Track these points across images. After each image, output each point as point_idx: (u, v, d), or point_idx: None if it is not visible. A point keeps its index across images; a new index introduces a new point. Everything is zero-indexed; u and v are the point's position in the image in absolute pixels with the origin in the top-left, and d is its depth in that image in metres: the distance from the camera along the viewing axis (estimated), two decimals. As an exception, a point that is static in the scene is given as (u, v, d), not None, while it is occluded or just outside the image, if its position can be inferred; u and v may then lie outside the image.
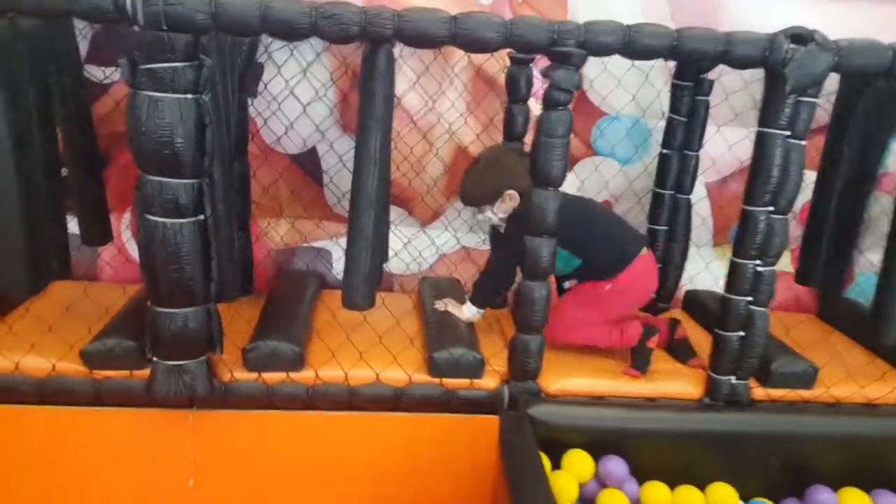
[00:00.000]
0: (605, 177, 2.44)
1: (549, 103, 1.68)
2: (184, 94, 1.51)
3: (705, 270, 2.50)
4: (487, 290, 2.14)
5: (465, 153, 2.36)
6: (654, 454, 1.87)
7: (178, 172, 1.55)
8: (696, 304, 2.43)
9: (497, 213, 2.03)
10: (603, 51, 1.67)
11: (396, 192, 2.34)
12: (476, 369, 1.89)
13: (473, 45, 1.62)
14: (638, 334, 2.06)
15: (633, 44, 1.65)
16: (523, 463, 1.63)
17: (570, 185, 2.39)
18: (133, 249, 2.38)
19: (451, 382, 1.88)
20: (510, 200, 2.01)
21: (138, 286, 2.11)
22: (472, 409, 1.89)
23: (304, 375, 1.84)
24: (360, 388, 1.86)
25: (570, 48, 1.64)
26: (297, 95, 2.22)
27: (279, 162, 2.34)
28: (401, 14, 1.55)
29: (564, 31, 1.62)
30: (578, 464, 1.83)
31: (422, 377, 1.88)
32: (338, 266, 2.45)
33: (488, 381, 1.90)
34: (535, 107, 2.24)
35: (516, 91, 2.19)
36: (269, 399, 1.83)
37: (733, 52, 1.68)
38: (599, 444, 1.85)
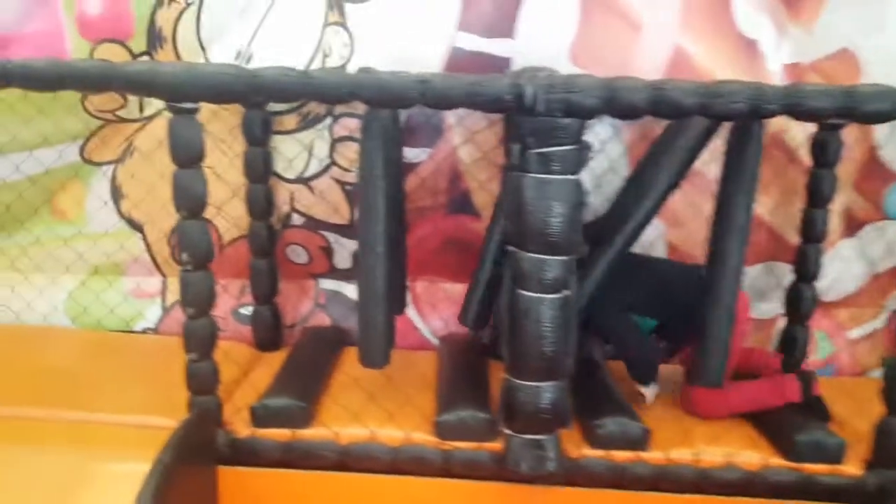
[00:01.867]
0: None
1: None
2: (570, 174, 1.59)
3: None
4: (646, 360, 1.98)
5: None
6: None
7: (556, 249, 1.61)
8: None
9: None
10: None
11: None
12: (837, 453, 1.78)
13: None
14: (797, 387, 1.89)
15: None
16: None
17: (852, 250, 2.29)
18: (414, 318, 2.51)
19: (810, 468, 1.77)
20: None
21: (424, 353, 2.24)
22: (831, 497, 1.77)
23: (653, 456, 1.79)
24: (709, 471, 1.77)
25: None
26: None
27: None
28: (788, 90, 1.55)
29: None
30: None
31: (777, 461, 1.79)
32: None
33: (850, 468, 1.77)
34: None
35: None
36: (616, 477, 1.79)
37: None
38: None
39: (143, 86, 1.61)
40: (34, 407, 1.87)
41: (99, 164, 2.37)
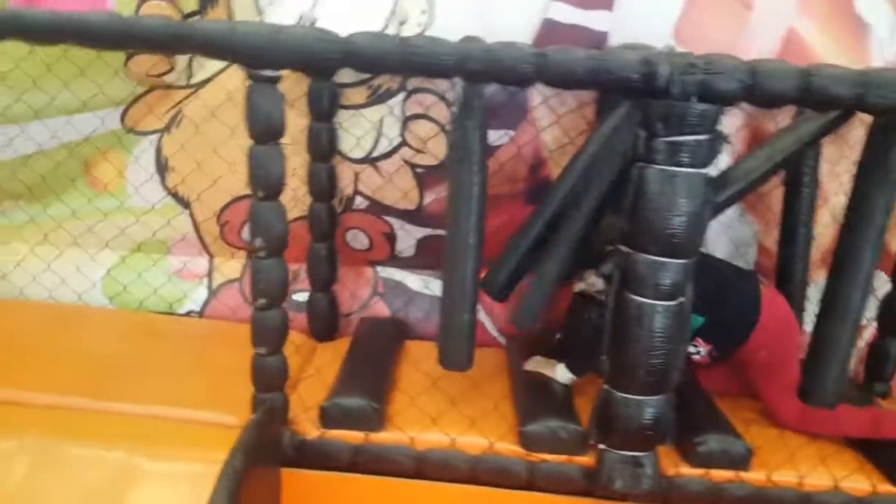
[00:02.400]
0: None
1: None
2: (700, 167, 1.41)
3: None
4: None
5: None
6: None
7: (677, 252, 1.44)
8: None
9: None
10: None
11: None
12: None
13: None
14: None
15: None
16: None
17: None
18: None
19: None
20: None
21: (489, 351, 2.08)
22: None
23: (755, 476, 1.65)
24: (814, 495, 1.63)
25: None
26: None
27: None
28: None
29: None
30: None
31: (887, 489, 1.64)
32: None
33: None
34: None
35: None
36: (714, 498, 1.64)
37: None
38: None
39: (222, 48, 1.42)
40: (80, 397, 1.72)
41: (143, 133, 2.18)
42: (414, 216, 2.14)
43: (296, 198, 2.13)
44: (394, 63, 1.42)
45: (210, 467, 1.48)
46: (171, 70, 2.10)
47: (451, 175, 1.56)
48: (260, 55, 1.43)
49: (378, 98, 2.04)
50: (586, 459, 1.64)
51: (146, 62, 2.06)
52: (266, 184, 1.50)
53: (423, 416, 1.71)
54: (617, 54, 1.40)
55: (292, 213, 2.18)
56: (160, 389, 1.78)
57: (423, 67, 1.43)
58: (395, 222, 2.19)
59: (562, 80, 1.40)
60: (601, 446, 1.60)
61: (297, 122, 2.04)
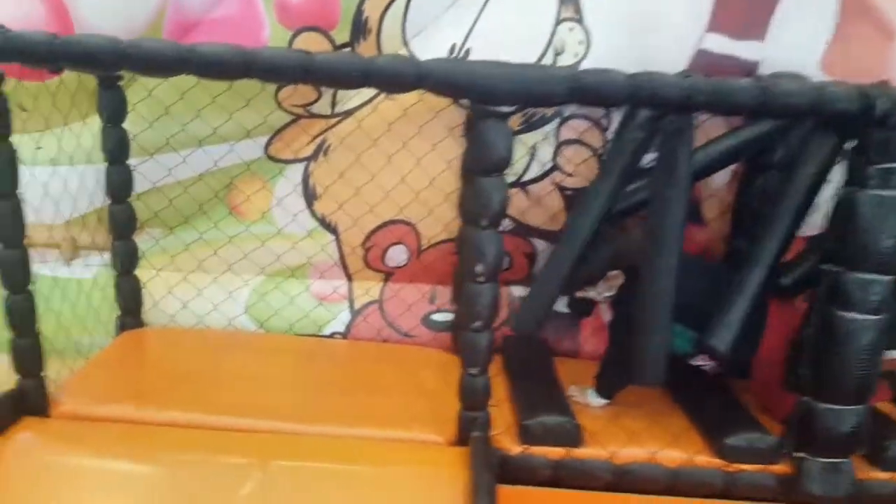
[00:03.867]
0: None
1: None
2: (908, 192, 1.53)
3: None
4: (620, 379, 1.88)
5: None
6: None
7: (884, 269, 1.54)
8: None
9: (602, 292, 1.88)
10: None
11: None
12: None
13: None
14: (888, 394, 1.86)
15: None
16: None
17: None
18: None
19: None
20: (614, 279, 1.86)
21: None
22: None
23: (938, 477, 1.75)
24: None
25: None
26: None
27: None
28: None
29: None
30: None
31: None
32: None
33: None
34: None
35: None
36: (900, 500, 1.75)
37: None
38: None
39: (455, 86, 1.49)
40: (286, 421, 1.76)
41: (287, 162, 2.23)
42: (557, 237, 2.20)
43: (444, 221, 2.20)
44: (620, 97, 1.50)
45: (437, 484, 1.58)
46: (318, 100, 2.17)
47: (660, 202, 1.64)
48: (492, 92, 1.50)
49: (531, 125, 2.12)
50: (781, 468, 1.72)
51: (299, 92, 2.13)
52: (490, 213, 1.55)
53: (617, 431, 1.78)
54: (837, 87, 1.49)
55: (440, 236, 2.29)
56: (356, 410, 1.83)
57: (649, 100, 1.51)
58: (540, 244, 2.27)
59: (785, 110, 1.50)
60: (799, 454, 1.69)
61: (452, 150, 2.13)
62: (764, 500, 1.74)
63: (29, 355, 1.71)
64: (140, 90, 2.07)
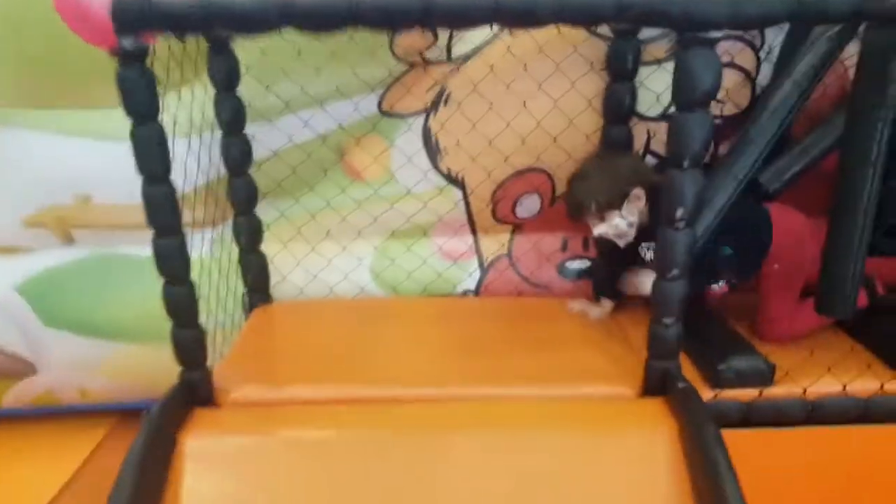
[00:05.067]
0: None
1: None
2: None
3: None
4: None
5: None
6: None
7: None
8: None
9: (626, 216, 1.83)
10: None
11: None
12: None
13: None
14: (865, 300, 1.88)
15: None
16: None
17: None
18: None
19: None
20: (638, 200, 1.82)
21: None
22: None
23: None
24: None
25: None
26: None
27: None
28: None
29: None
30: None
31: None
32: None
33: None
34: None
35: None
36: None
37: None
38: None
39: (663, 15, 1.35)
40: (463, 386, 1.70)
41: (402, 116, 2.10)
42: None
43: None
44: (846, 12, 1.36)
45: (647, 438, 1.52)
46: (433, 45, 2.01)
47: (861, 120, 1.53)
48: (705, 15, 1.34)
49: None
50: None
51: (413, 39, 1.97)
52: (692, 153, 1.44)
53: (807, 366, 1.74)
54: None
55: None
56: (531, 370, 1.76)
57: (876, 14, 1.38)
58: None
59: None
60: None
61: (593, 85, 1.99)
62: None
63: (193, 346, 1.62)
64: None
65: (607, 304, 2.08)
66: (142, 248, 2.13)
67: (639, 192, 1.82)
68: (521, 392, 1.71)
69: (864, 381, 1.72)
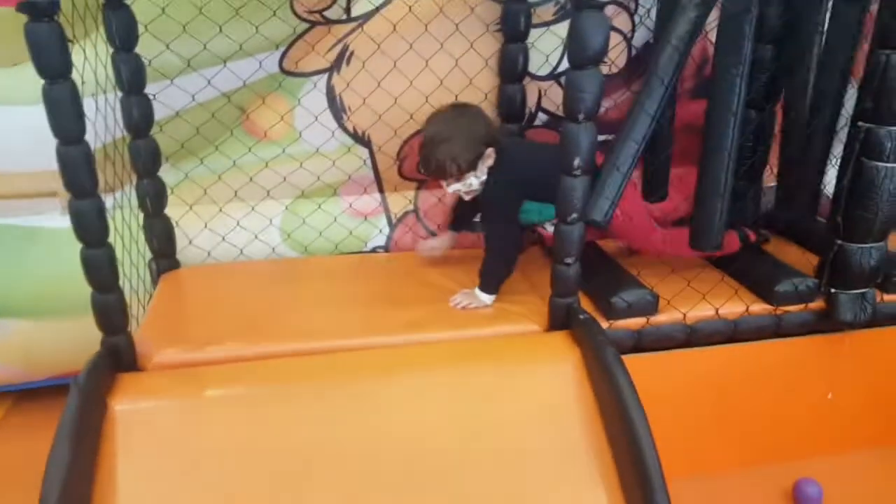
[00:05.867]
0: None
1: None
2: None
3: None
4: (501, 273, 1.97)
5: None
6: None
7: (907, 124, 1.81)
8: None
9: (480, 176, 1.94)
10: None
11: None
12: None
13: None
14: (737, 240, 2.17)
15: None
16: None
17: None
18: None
19: None
20: (489, 159, 1.94)
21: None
22: None
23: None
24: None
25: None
26: None
27: None
28: None
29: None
30: None
31: None
32: None
33: None
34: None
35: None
36: (904, 314, 2.11)
37: None
38: None
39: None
40: (382, 335, 1.80)
41: (307, 75, 2.12)
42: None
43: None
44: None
45: (555, 366, 1.71)
46: (331, 5, 2.03)
47: (719, 73, 1.77)
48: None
49: (566, 14, 2.14)
50: (817, 304, 2.02)
51: (311, -1, 1.99)
52: (586, 107, 1.60)
53: (689, 294, 1.96)
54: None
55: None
56: (445, 317, 1.89)
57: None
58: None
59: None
60: (833, 290, 1.99)
61: (489, 46, 2.11)
62: (807, 333, 2.04)
63: (114, 310, 1.59)
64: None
65: (446, 238, 2.18)
66: (30, 218, 2.06)
67: (490, 152, 1.92)
68: (437, 336, 1.83)
69: (733, 305, 1.99)
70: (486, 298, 1.97)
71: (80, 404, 1.42)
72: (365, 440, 1.59)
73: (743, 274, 2.11)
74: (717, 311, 1.96)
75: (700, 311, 1.96)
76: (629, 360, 1.83)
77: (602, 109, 2.23)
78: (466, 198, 1.99)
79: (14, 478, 1.55)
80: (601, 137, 2.27)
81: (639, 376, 1.68)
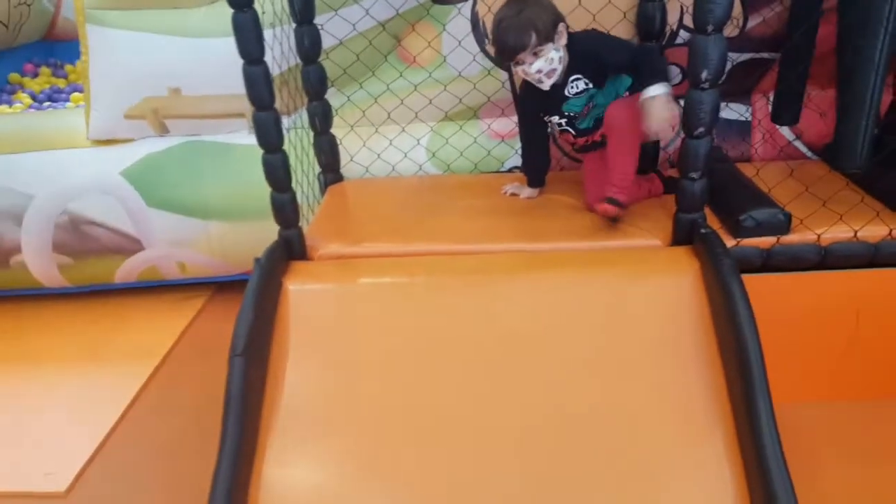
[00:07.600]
0: None
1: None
2: None
3: None
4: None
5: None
6: None
7: None
8: None
9: (559, 50, 1.87)
10: None
11: None
12: None
13: None
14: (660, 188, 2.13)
15: None
16: None
17: None
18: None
19: None
20: (563, 37, 1.87)
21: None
22: None
23: None
24: None
25: None
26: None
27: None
28: None
29: None
30: None
31: None
32: None
33: None
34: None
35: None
36: None
37: None
38: None
39: None
40: (521, 241, 1.96)
41: (453, 2, 2.27)
42: (734, 42, 2.24)
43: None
44: None
45: (673, 278, 1.78)
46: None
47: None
48: None
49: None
50: None
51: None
52: (715, 18, 1.60)
53: (825, 215, 1.93)
54: None
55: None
56: (575, 228, 2.01)
57: None
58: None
59: None
60: None
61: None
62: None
63: (288, 207, 1.91)
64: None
65: (534, 191, 2.22)
66: (226, 135, 2.46)
67: (562, 28, 1.88)
68: (566, 245, 1.96)
69: (874, 227, 1.92)
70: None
71: (261, 278, 1.75)
72: (490, 328, 1.78)
73: (887, 193, 2.02)
74: (855, 233, 1.91)
75: (836, 233, 1.92)
76: (757, 278, 1.88)
77: (750, 24, 2.22)
78: (546, 83, 1.93)
79: (214, 349, 1.88)
80: (745, 56, 2.30)
81: (767, 296, 1.71)
